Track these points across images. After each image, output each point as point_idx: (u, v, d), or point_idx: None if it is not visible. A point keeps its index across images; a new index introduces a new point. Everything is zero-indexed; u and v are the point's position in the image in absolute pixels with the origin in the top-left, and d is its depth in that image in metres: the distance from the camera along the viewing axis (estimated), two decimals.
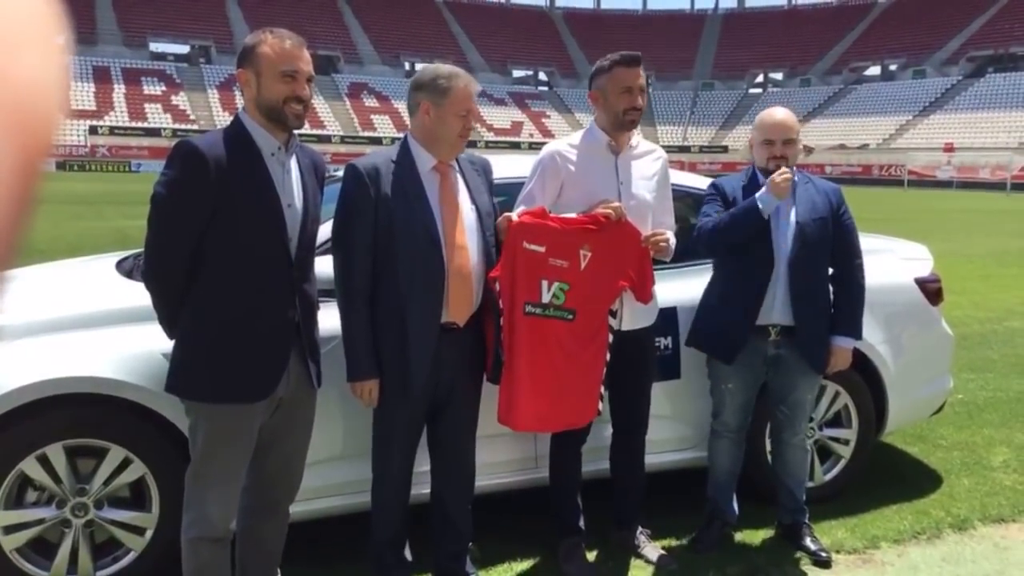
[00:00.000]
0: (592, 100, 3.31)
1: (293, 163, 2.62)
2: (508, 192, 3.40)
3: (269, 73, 2.48)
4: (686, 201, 3.84)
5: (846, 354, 3.51)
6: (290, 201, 2.57)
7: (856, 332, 3.51)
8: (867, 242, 3.61)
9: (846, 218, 3.48)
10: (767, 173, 3.40)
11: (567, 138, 3.38)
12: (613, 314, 3.21)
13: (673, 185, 3.54)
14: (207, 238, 2.46)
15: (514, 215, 3.07)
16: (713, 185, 3.61)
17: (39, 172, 0.43)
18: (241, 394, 2.53)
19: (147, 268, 2.54)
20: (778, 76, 76.76)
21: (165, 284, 2.52)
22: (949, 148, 53.50)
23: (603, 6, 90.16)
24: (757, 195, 3.34)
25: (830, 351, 3.47)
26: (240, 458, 2.62)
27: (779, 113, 3.48)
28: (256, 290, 2.52)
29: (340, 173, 3.49)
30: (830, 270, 3.48)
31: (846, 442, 4.08)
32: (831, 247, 3.43)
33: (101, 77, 60.12)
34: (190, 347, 2.54)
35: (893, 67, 70.06)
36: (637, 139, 3.36)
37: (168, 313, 2.56)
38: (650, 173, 3.34)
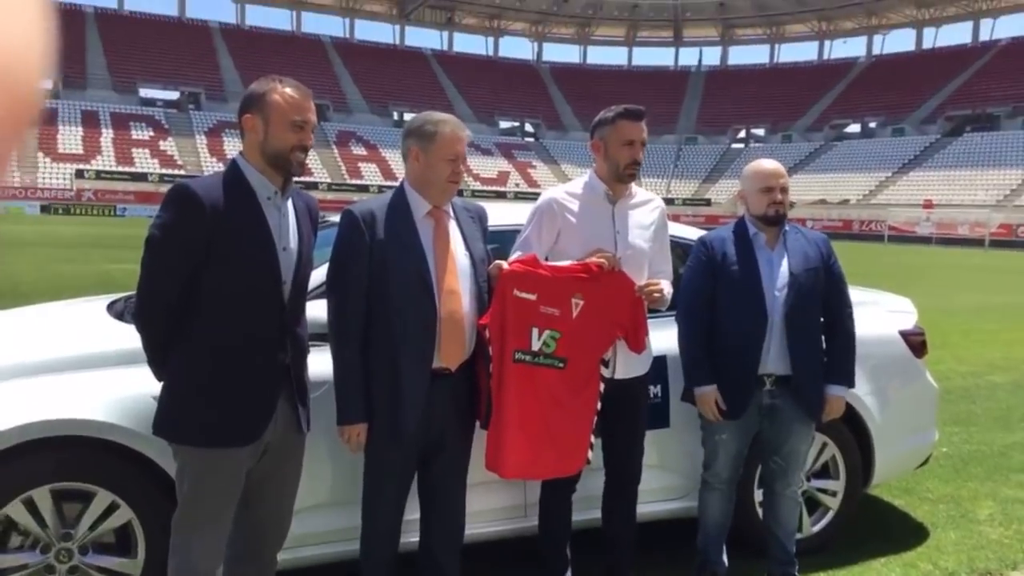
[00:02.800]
0: (593, 149, 3.36)
1: (289, 207, 2.66)
2: (501, 239, 3.44)
3: (279, 121, 2.53)
4: (675, 252, 3.89)
5: (840, 403, 3.54)
6: (285, 244, 2.60)
7: (849, 380, 3.54)
8: (853, 294, 3.66)
9: (836, 267, 3.54)
10: (766, 219, 3.46)
11: (565, 186, 3.43)
12: (605, 363, 3.23)
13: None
14: (201, 280, 2.47)
15: (504, 263, 3.10)
16: (701, 242, 3.61)
17: (22, 136, 0.45)
18: (229, 438, 2.52)
19: (139, 309, 2.55)
20: (760, 132, 78.04)
21: (156, 325, 2.52)
22: (928, 205, 54.31)
23: (589, 61, 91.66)
24: (696, 390, 3.45)
25: (824, 400, 3.50)
26: (227, 504, 2.59)
27: (769, 163, 3.56)
28: (248, 332, 2.53)
29: (333, 219, 3.53)
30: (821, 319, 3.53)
31: (834, 494, 4.09)
32: (823, 296, 3.49)
33: (89, 121, 60.26)
34: (178, 389, 2.53)
35: (873, 124, 71.41)
36: (634, 188, 3.41)
37: (158, 355, 2.55)
38: (647, 222, 3.39)
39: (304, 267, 2.69)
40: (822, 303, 3.49)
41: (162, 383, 2.58)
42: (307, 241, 2.71)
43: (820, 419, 3.53)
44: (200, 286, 2.48)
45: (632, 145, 3.26)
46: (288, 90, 2.56)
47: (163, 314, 2.50)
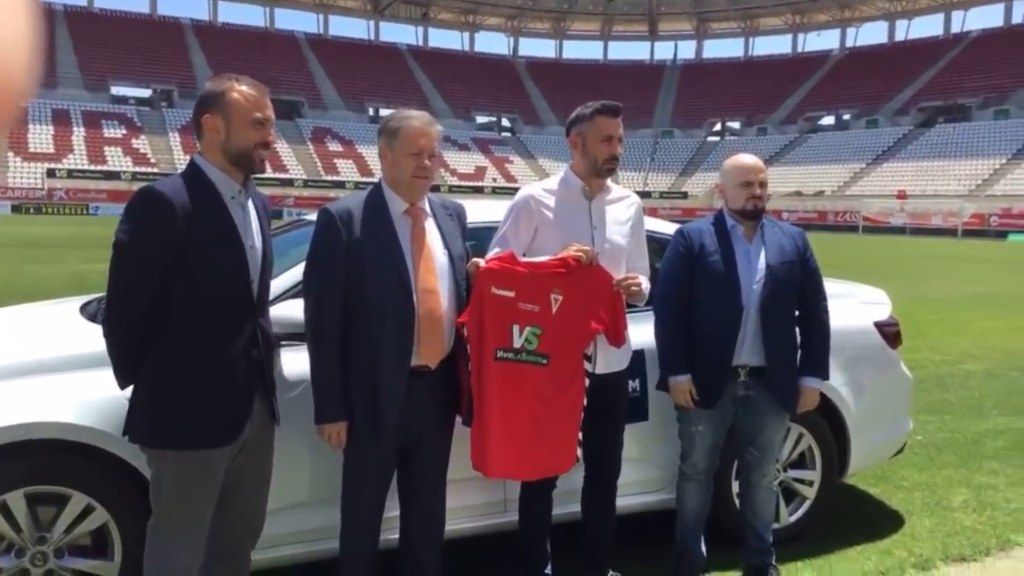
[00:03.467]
0: (571, 145, 3.37)
1: (251, 206, 2.65)
2: (479, 237, 3.44)
3: (240, 120, 2.51)
4: (651, 246, 3.91)
5: (815, 394, 3.58)
6: (252, 243, 2.60)
7: (824, 372, 3.58)
8: (828, 286, 3.70)
9: (811, 261, 3.58)
10: (744, 213, 3.49)
11: (542, 182, 3.43)
12: (588, 358, 3.23)
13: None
14: (172, 283, 2.45)
15: (481, 261, 3.10)
16: (680, 232, 3.66)
17: (6, 125, 0.46)
18: (210, 439, 2.50)
19: (110, 316, 2.50)
20: (735, 125, 78.51)
21: (127, 332, 2.49)
22: (902, 195, 54.94)
23: (565, 55, 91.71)
24: (672, 378, 3.50)
25: (799, 391, 3.54)
26: (207, 505, 2.58)
27: (748, 158, 3.58)
28: (221, 332, 2.52)
29: (309, 217, 3.51)
30: (796, 312, 3.57)
31: (810, 483, 4.13)
32: (798, 289, 3.52)
33: (60, 120, 59.50)
34: (155, 394, 2.50)
35: (847, 116, 72.06)
36: (609, 184, 3.42)
37: (127, 361, 2.51)
38: (624, 218, 3.40)
39: (268, 263, 2.70)
40: (797, 296, 3.53)
41: (133, 387, 2.54)
42: (268, 238, 2.72)
43: (794, 411, 3.57)
44: (173, 289, 2.46)
45: (610, 141, 3.27)
46: (246, 88, 2.54)
47: (137, 320, 2.47)
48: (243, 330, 2.56)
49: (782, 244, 3.52)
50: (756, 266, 3.45)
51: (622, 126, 3.33)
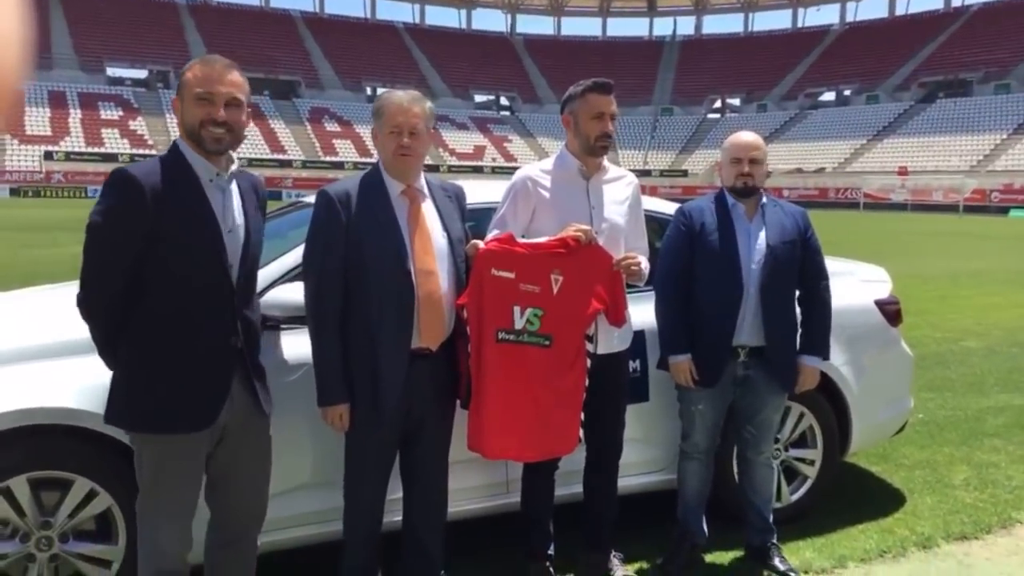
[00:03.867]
0: (564, 124, 3.35)
1: (234, 188, 2.61)
2: (479, 218, 3.42)
3: (187, 97, 2.49)
4: (651, 226, 3.89)
5: (814, 373, 3.58)
6: (231, 227, 2.55)
7: (824, 351, 3.58)
8: (828, 264, 3.69)
9: (813, 240, 3.57)
10: (735, 191, 3.48)
11: (539, 163, 3.41)
12: (590, 339, 3.23)
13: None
14: (145, 266, 2.44)
15: (481, 243, 3.08)
16: (680, 211, 3.66)
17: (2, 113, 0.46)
18: (182, 424, 2.49)
19: (83, 298, 2.50)
20: (735, 101, 78.14)
21: (102, 314, 2.49)
22: (903, 172, 54.75)
23: (563, 32, 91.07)
24: (672, 357, 3.49)
25: (798, 370, 3.54)
26: (188, 488, 2.57)
27: (746, 135, 3.57)
28: (196, 317, 2.49)
29: (308, 199, 3.49)
30: (797, 291, 3.56)
31: (811, 462, 4.14)
32: (799, 269, 3.51)
33: (57, 102, 59.24)
34: (129, 377, 2.50)
35: (847, 92, 71.73)
36: (606, 163, 3.40)
37: (107, 344, 2.52)
38: (621, 197, 3.38)
39: (252, 248, 2.63)
40: (798, 276, 3.52)
41: (113, 370, 2.55)
42: (254, 222, 2.64)
43: (793, 390, 3.57)
44: (147, 272, 2.44)
45: (602, 118, 3.24)
46: (199, 65, 2.51)
47: (109, 303, 2.46)
48: (220, 316, 2.52)
49: (783, 223, 3.50)
50: (756, 245, 3.44)
51: (615, 103, 3.30)
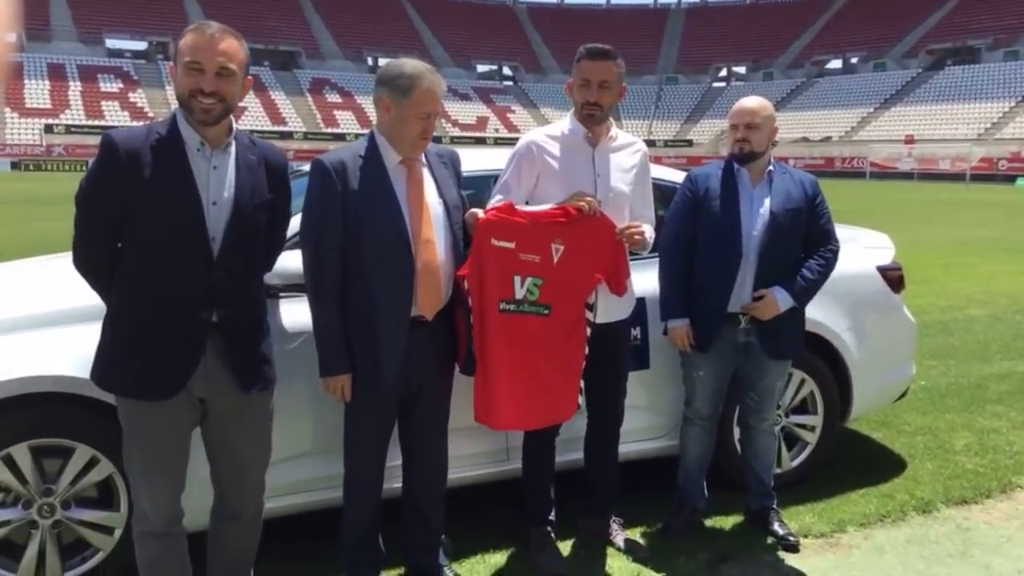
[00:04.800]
0: (567, 90, 3.33)
1: (230, 160, 2.52)
2: (476, 186, 3.39)
3: (179, 65, 2.44)
4: (658, 195, 3.86)
5: (773, 305, 3.39)
6: (216, 198, 2.47)
7: (796, 296, 3.42)
8: None
9: (821, 207, 3.51)
10: (733, 157, 3.46)
11: (545, 128, 3.37)
12: (590, 307, 3.21)
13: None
14: (123, 231, 2.44)
15: (480, 212, 3.05)
16: (688, 177, 3.65)
17: None
18: (143, 391, 2.47)
19: (74, 258, 2.55)
20: (741, 70, 77.46)
21: (92, 275, 2.54)
22: (910, 140, 54.38)
23: (567, 1, 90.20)
24: (670, 322, 3.51)
25: (763, 299, 3.39)
26: (162, 454, 2.54)
27: (749, 101, 3.49)
28: (166, 287, 2.45)
29: (306, 168, 3.47)
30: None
31: (812, 428, 4.14)
32: (803, 237, 3.47)
33: (56, 75, 58.94)
34: (105, 339, 2.53)
35: (854, 60, 71.05)
36: (616, 131, 3.36)
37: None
38: (628, 165, 3.34)
39: (241, 221, 2.51)
40: (804, 244, 3.48)
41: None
42: (251, 196, 2.54)
43: (790, 357, 3.56)
44: (125, 238, 2.45)
45: (588, 85, 3.19)
46: (193, 32, 2.46)
47: (96, 263, 2.49)
48: (193, 288, 2.46)
49: (789, 190, 3.46)
50: (759, 212, 3.41)
51: (612, 70, 3.21)
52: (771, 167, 3.49)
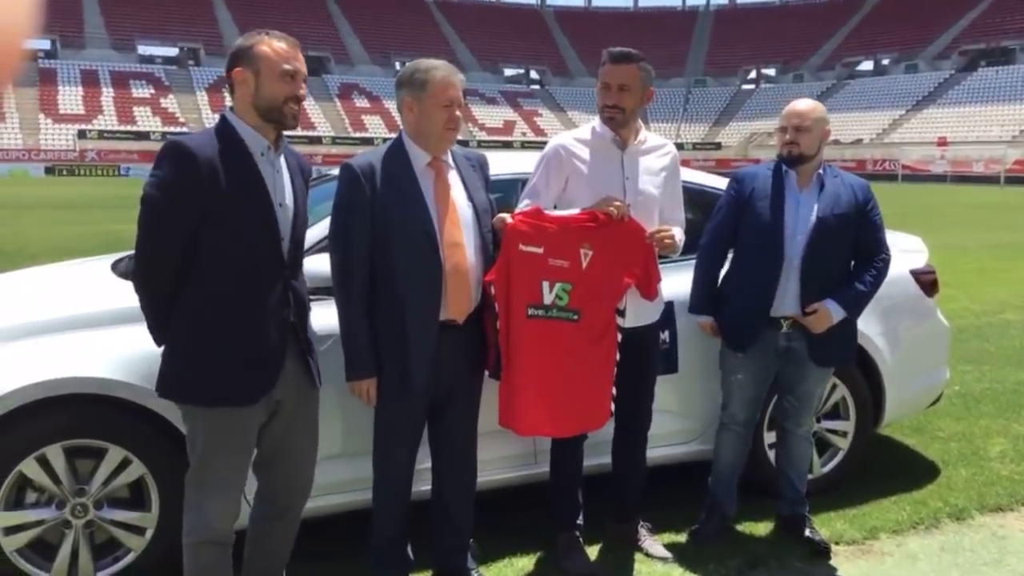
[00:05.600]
0: (597, 94, 3.33)
1: (283, 163, 2.60)
2: (504, 189, 3.39)
3: (270, 73, 2.46)
4: (691, 198, 3.83)
5: (828, 317, 3.35)
6: (281, 200, 2.55)
7: (848, 308, 3.39)
8: None
9: (873, 214, 3.45)
10: (782, 160, 3.43)
11: (573, 132, 3.37)
12: (621, 313, 3.19)
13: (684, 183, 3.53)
14: (199, 239, 2.43)
15: (508, 217, 3.05)
16: (733, 176, 3.63)
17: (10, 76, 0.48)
18: (238, 397, 2.49)
19: (138, 271, 2.51)
20: (771, 72, 76.77)
21: (156, 287, 2.48)
22: (942, 142, 53.60)
23: (594, 4, 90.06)
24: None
25: (816, 312, 3.35)
26: (240, 462, 2.59)
27: (800, 103, 3.46)
28: (252, 291, 2.49)
29: (333, 172, 3.49)
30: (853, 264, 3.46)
31: (844, 434, 4.09)
32: (852, 242, 3.41)
33: (89, 81, 59.87)
34: (184, 350, 2.50)
35: (885, 61, 70.15)
36: (645, 134, 3.35)
37: (158, 317, 2.51)
38: (657, 167, 3.32)
39: (301, 223, 2.63)
40: (854, 250, 3.43)
41: (165, 343, 2.55)
42: (301, 198, 2.65)
43: (830, 365, 3.51)
44: (200, 245, 2.43)
45: (607, 88, 3.19)
46: (276, 41, 2.51)
47: (165, 276, 2.45)
48: (272, 290, 2.53)
49: (839, 195, 3.39)
50: (806, 215, 3.36)
51: (631, 74, 3.19)
52: (821, 170, 3.44)
